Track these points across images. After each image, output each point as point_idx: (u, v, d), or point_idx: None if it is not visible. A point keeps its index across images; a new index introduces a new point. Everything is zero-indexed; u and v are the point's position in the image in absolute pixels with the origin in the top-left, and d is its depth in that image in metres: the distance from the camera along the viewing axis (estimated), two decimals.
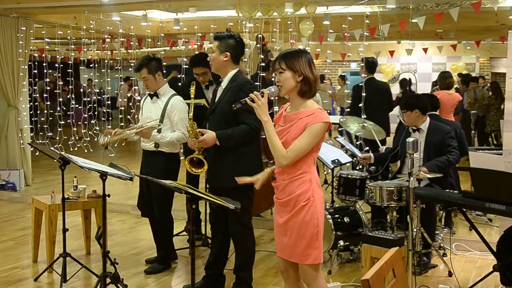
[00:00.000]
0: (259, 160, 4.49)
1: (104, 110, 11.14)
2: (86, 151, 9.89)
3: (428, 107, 5.59)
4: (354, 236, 5.30)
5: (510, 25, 8.62)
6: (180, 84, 7.82)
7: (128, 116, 14.22)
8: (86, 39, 9.75)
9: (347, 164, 6.35)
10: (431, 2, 8.59)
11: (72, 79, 10.38)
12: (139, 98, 9.73)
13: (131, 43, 10.29)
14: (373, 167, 5.77)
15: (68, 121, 10.18)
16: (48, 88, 10.46)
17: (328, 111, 13.40)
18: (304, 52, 3.27)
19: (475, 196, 4.17)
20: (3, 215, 7.33)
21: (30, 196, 7.10)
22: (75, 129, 10.17)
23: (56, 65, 10.00)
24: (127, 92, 15.30)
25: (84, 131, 10.32)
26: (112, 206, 7.30)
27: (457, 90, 12.01)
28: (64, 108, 10.92)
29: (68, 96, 11.00)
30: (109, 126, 10.18)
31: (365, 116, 6.75)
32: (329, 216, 5.24)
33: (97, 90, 12.24)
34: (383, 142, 7.01)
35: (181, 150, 5.46)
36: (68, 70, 10.05)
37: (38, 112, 10.36)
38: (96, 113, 10.64)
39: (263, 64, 7.15)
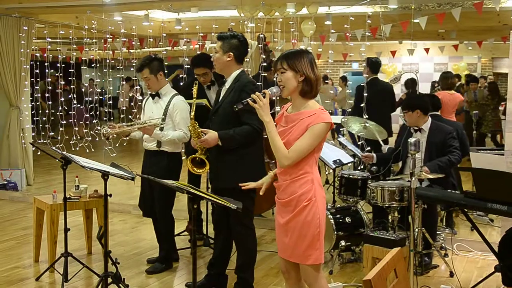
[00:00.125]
0: (261, 161, 4.49)
1: (106, 110, 11.15)
2: (87, 150, 9.89)
3: (430, 107, 5.58)
4: (355, 236, 5.30)
5: None
6: (182, 83, 7.82)
7: (130, 116, 14.23)
8: (88, 39, 9.76)
9: (349, 164, 6.35)
10: (433, 2, 8.59)
11: (74, 78, 10.39)
12: (140, 98, 9.74)
13: (133, 43, 10.29)
14: (374, 167, 5.76)
15: (70, 120, 10.18)
16: (50, 88, 10.46)
17: (330, 112, 13.40)
18: (306, 52, 3.27)
19: (476, 197, 4.17)
20: (4, 214, 7.34)
21: (31, 195, 7.11)
22: (76, 128, 10.17)
23: (58, 65, 9.99)
24: (129, 92, 15.31)
25: (86, 130, 10.32)
26: (114, 206, 7.30)
27: (458, 91, 11.99)
28: (66, 108, 10.92)
29: (70, 96, 11.00)
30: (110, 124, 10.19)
31: (367, 116, 6.74)
32: (331, 216, 5.24)
33: (99, 90, 12.25)
34: (385, 142, 7.01)
35: (183, 150, 5.46)
36: (70, 70, 10.05)
37: (40, 111, 10.37)
38: (97, 113, 10.64)
39: (265, 64, 7.14)
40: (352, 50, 10.71)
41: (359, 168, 6.17)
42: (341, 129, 7.15)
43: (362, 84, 7.33)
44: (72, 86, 10.69)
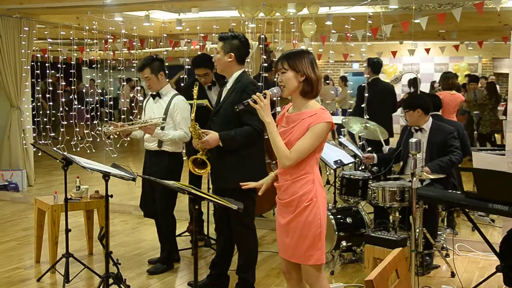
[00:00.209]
0: (262, 162, 4.49)
1: (107, 111, 11.16)
2: (88, 151, 9.90)
3: (431, 107, 5.58)
4: (356, 237, 5.29)
5: None
6: (182, 84, 7.82)
7: (131, 117, 14.24)
8: (89, 40, 9.75)
9: (350, 165, 6.35)
10: (433, 2, 8.59)
11: (75, 79, 10.39)
12: (141, 98, 9.74)
13: (134, 43, 10.29)
14: (375, 167, 5.76)
15: (71, 121, 10.19)
16: (50, 88, 10.47)
17: (332, 112, 13.41)
18: (306, 52, 3.27)
19: (478, 197, 4.17)
20: (5, 215, 7.34)
21: (32, 196, 7.11)
22: (77, 129, 10.18)
23: (59, 65, 10.00)
24: (130, 92, 15.31)
25: (87, 131, 10.33)
26: (115, 206, 7.30)
27: (459, 91, 11.98)
28: (67, 109, 10.93)
29: (71, 97, 11.01)
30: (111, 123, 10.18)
31: (368, 117, 6.74)
32: (332, 217, 5.24)
33: (99, 91, 12.25)
34: (387, 142, 7.00)
35: (184, 151, 5.47)
36: (70, 71, 10.06)
37: (41, 112, 10.37)
38: (98, 113, 10.65)
39: (266, 64, 7.14)
40: (353, 51, 10.71)
41: (360, 168, 6.17)
42: (342, 129, 7.14)
43: (363, 85, 7.33)
44: (73, 87, 10.69)
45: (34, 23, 8.94)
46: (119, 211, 7.43)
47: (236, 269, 4.54)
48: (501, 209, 4.00)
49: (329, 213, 5.24)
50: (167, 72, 5.23)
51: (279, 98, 6.13)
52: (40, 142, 10.03)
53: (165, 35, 10.19)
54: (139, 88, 11.15)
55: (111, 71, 10.45)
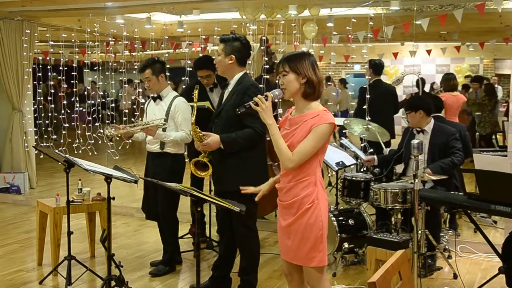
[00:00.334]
0: (264, 164, 4.48)
1: (108, 113, 11.16)
2: (90, 153, 9.89)
3: (433, 108, 5.57)
4: (358, 238, 5.29)
5: None
6: (184, 86, 7.82)
7: (132, 119, 14.25)
8: (90, 42, 9.75)
9: (352, 166, 6.34)
10: (434, 3, 8.58)
11: (76, 81, 10.39)
12: (143, 100, 9.74)
13: (135, 45, 10.29)
14: (377, 169, 5.76)
15: (73, 123, 10.19)
16: (52, 91, 10.47)
17: (334, 114, 13.42)
18: (307, 54, 3.27)
19: (480, 198, 4.16)
20: (7, 218, 7.34)
21: (34, 199, 7.11)
22: (79, 131, 10.18)
23: (60, 68, 10.01)
24: (132, 94, 15.32)
25: (88, 133, 10.32)
26: (116, 208, 7.30)
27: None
28: (69, 111, 10.94)
29: (72, 99, 11.01)
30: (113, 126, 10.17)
31: (369, 118, 6.73)
32: (334, 218, 5.24)
33: (101, 93, 12.25)
34: (388, 144, 7.00)
35: (185, 153, 5.47)
36: (72, 73, 10.06)
37: (43, 115, 10.37)
38: (100, 115, 10.65)
39: (267, 66, 7.14)
40: (354, 52, 10.71)
41: (361, 170, 6.16)
42: (343, 131, 7.14)
43: (364, 86, 7.33)
44: (74, 89, 10.70)
45: (35, 25, 8.95)
46: (121, 213, 7.43)
47: (238, 271, 4.54)
48: (503, 210, 4.00)
49: (331, 215, 5.23)
50: (168, 74, 5.24)
51: (280, 100, 6.14)
52: (42, 144, 10.03)
53: (166, 37, 10.18)
54: (140, 90, 11.14)
55: (113, 73, 10.45)
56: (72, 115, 10.43)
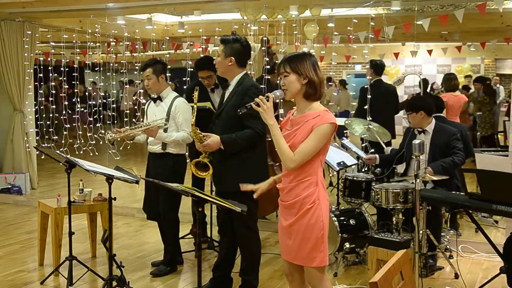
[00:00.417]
0: (264, 165, 4.48)
1: (109, 114, 11.17)
2: (91, 154, 9.90)
3: (434, 109, 5.57)
4: (360, 239, 5.29)
5: None
6: (185, 87, 7.82)
7: (134, 120, 14.26)
8: (91, 43, 9.76)
9: (353, 166, 6.34)
10: (435, 3, 8.58)
11: (77, 82, 10.40)
12: (144, 101, 9.75)
13: (136, 46, 10.31)
14: (378, 169, 5.76)
15: (74, 124, 10.20)
16: (53, 92, 10.48)
17: (335, 114, 13.40)
18: (308, 55, 3.27)
19: (481, 198, 4.16)
20: (9, 218, 7.35)
21: (36, 199, 7.12)
22: (80, 132, 10.19)
23: (61, 68, 10.01)
24: (133, 95, 15.32)
25: (90, 134, 10.33)
26: (118, 209, 7.30)
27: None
28: (70, 112, 10.94)
29: (74, 100, 11.02)
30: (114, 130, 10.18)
31: (371, 118, 6.73)
32: (335, 219, 5.24)
33: (102, 94, 12.26)
34: (389, 143, 7.00)
35: (187, 153, 5.48)
36: (73, 74, 10.07)
37: (44, 115, 10.38)
38: (101, 116, 10.66)
39: (268, 67, 7.15)
40: (355, 52, 10.73)
41: (363, 170, 6.16)
42: (345, 131, 7.14)
43: (365, 86, 7.33)
44: (75, 90, 10.71)
45: (37, 26, 8.96)
46: (122, 213, 7.43)
47: (239, 271, 4.54)
48: (505, 210, 4.00)
49: (332, 215, 5.23)
50: (169, 75, 5.24)
51: (281, 101, 6.14)
52: (43, 145, 10.04)
53: (167, 37, 10.19)
54: (142, 90, 11.15)
55: (114, 74, 10.45)
56: (73, 116, 10.44)
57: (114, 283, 4.41)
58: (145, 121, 5.21)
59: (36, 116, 9.70)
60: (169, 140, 4.94)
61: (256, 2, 7.66)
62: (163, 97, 5.12)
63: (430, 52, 11.56)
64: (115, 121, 10.39)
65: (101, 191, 5.47)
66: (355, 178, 5.51)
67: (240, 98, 4.17)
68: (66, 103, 10.45)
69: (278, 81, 3.87)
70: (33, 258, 5.56)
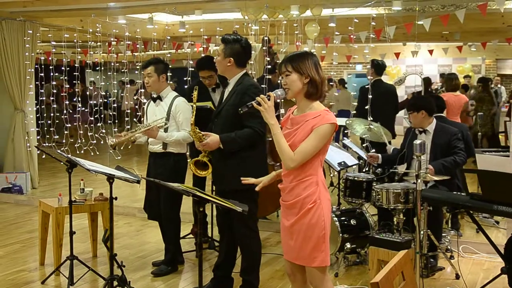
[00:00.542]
0: (264, 164, 4.48)
1: (110, 113, 11.17)
2: (92, 153, 9.91)
3: (435, 108, 5.57)
4: (360, 239, 5.29)
5: None
6: (186, 86, 7.83)
7: (135, 119, 14.26)
8: (92, 42, 9.77)
9: (354, 167, 6.34)
10: (437, 4, 8.58)
11: (78, 82, 10.41)
12: (145, 101, 9.76)
13: (137, 46, 10.31)
14: (379, 169, 5.75)
15: (75, 123, 10.21)
16: (55, 91, 10.48)
17: (335, 114, 13.39)
18: (310, 54, 3.27)
19: (482, 198, 4.16)
20: (10, 218, 7.35)
21: (37, 199, 7.12)
22: (81, 132, 10.20)
23: (63, 68, 10.02)
24: (134, 95, 15.33)
25: (91, 134, 10.34)
26: (119, 208, 7.30)
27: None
28: (71, 111, 10.94)
29: (74, 99, 11.03)
30: (115, 129, 10.20)
31: (371, 118, 6.73)
32: (336, 219, 5.23)
33: (103, 93, 12.26)
34: (389, 143, 7.00)
35: (188, 153, 5.48)
36: (74, 73, 10.07)
37: (45, 115, 10.38)
38: (102, 116, 10.66)
39: (269, 66, 7.14)
40: (356, 52, 10.72)
41: (364, 170, 6.16)
42: (346, 131, 7.14)
43: (366, 86, 7.33)
44: (76, 89, 10.71)
45: (38, 26, 8.96)
46: (123, 213, 7.43)
47: (240, 271, 4.54)
48: (506, 211, 4.00)
49: (333, 215, 5.23)
50: (170, 74, 5.24)
51: (282, 100, 6.13)
52: (44, 144, 10.04)
53: (168, 37, 10.19)
54: (142, 90, 11.15)
55: (115, 73, 10.45)
56: (74, 115, 10.44)
57: (115, 283, 4.41)
58: (145, 121, 5.21)
59: (37, 115, 9.70)
60: (170, 140, 4.95)
61: (257, 2, 7.66)
62: (163, 96, 5.12)
63: (431, 52, 11.56)
64: (116, 121, 10.38)
65: (102, 190, 5.47)
66: (356, 178, 5.51)
67: (239, 97, 4.17)
68: (67, 102, 10.44)
69: (279, 81, 3.87)
70: (34, 257, 5.56)
